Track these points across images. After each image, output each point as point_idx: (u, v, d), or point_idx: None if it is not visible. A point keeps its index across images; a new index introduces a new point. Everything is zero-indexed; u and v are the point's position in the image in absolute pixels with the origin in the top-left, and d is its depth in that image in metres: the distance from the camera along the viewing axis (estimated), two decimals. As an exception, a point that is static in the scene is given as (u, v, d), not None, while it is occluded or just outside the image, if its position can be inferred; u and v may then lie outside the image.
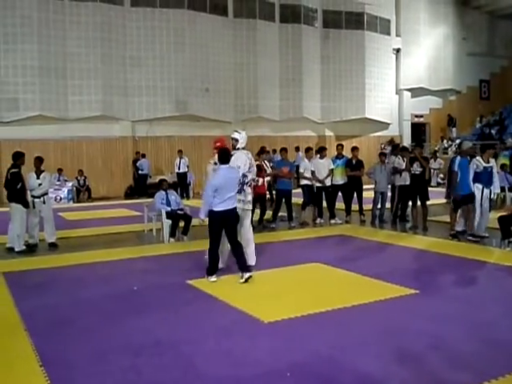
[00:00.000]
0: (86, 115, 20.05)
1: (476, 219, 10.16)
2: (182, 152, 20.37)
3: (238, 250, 7.31)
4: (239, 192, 7.69)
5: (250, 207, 8.08)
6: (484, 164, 9.97)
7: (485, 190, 9.98)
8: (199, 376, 4.30)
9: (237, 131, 8.19)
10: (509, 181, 14.49)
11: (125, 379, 4.27)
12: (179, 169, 20.15)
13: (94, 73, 20.06)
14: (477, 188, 9.99)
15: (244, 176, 7.80)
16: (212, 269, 7.27)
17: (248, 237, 7.98)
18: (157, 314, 5.92)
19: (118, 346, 4.96)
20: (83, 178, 20.08)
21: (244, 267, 7.19)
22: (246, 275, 7.11)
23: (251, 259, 7.91)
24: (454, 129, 28.56)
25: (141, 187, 20.59)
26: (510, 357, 4.50)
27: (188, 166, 20.38)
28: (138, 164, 20.91)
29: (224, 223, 7.22)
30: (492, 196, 10.12)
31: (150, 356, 4.69)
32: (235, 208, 7.33)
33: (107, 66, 20.37)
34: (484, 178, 9.96)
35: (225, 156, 7.36)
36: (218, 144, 8.17)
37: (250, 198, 7.99)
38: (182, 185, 19.84)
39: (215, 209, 7.12)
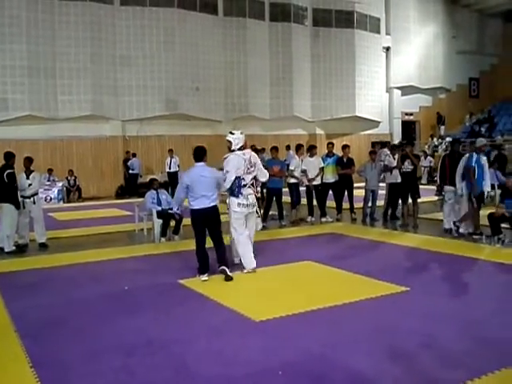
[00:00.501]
0: (75, 115, 19.96)
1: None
2: (173, 151, 20.35)
3: (219, 248, 7.38)
4: (236, 196, 7.60)
5: (252, 210, 7.85)
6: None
7: None
8: (191, 375, 4.30)
9: (231, 132, 7.99)
10: (498, 178, 14.56)
11: (117, 380, 4.26)
12: (170, 168, 20.15)
13: (83, 72, 19.96)
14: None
15: (240, 179, 7.62)
16: (202, 268, 7.27)
17: (250, 237, 7.91)
18: (148, 313, 5.90)
19: (109, 346, 4.94)
20: (73, 177, 19.99)
21: (222, 260, 7.30)
22: (223, 267, 7.23)
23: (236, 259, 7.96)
24: (442, 127, 28.66)
25: (132, 187, 20.54)
26: (500, 354, 4.52)
27: (179, 166, 20.35)
28: (128, 163, 20.85)
29: (204, 221, 7.28)
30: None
31: (142, 356, 4.68)
32: (214, 206, 7.30)
33: (97, 65, 20.29)
34: None
35: (197, 154, 7.43)
36: None
37: (251, 200, 7.73)
38: (172, 184, 19.78)
39: (192, 207, 7.26)
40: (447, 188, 10.67)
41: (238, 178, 7.59)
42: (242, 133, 7.94)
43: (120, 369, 4.43)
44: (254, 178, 7.86)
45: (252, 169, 7.77)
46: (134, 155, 21.09)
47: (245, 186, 7.66)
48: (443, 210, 11.00)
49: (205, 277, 7.21)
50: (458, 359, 4.42)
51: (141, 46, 21.08)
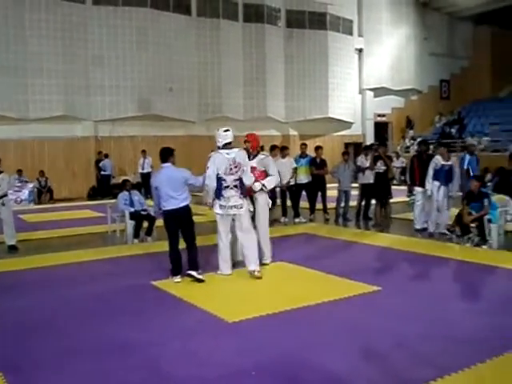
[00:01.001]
0: (47, 115, 19.67)
1: (433, 216, 10.43)
2: (146, 152, 20.17)
3: (190, 250, 7.31)
4: (218, 197, 7.32)
5: (237, 212, 7.31)
6: (442, 162, 10.20)
7: (442, 187, 10.20)
8: (164, 377, 4.28)
9: (217, 129, 7.57)
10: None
11: (90, 382, 4.21)
12: (143, 169, 19.98)
13: (55, 72, 19.70)
14: (434, 185, 10.21)
15: (221, 179, 7.24)
16: (175, 269, 7.24)
17: (242, 242, 7.49)
18: (121, 315, 5.86)
19: (82, 349, 4.88)
20: (44, 178, 19.68)
21: (191, 265, 7.24)
22: (190, 272, 7.18)
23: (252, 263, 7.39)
24: (411, 131, 28.87)
25: (104, 188, 20.31)
26: (470, 352, 4.59)
27: (152, 166, 20.23)
28: (100, 165, 20.63)
29: (176, 222, 7.24)
30: (450, 193, 10.32)
31: (116, 358, 4.64)
32: (185, 207, 7.22)
33: (69, 65, 20.03)
34: (441, 175, 10.17)
35: (162, 155, 7.46)
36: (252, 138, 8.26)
37: (233, 202, 7.26)
38: (146, 185, 19.62)
39: (163, 208, 7.26)
40: (417, 189, 10.84)
41: (219, 178, 7.29)
42: (226, 130, 7.40)
43: (93, 372, 4.39)
44: (240, 179, 7.32)
45: (235, 169, 7.26)
46: (106, 156, 20.87)
47: (226, 187, 7.26)
48: (413, 211, 11.17)
49: (178, 278, 7.18)
50: (428, 358, 4.48)
51: (113, 46, 20.88)
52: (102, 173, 20.55)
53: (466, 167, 9.95)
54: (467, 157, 10.10)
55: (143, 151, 20.21)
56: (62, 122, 20.10)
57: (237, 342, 4.98)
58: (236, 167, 7.27)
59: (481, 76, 30.76)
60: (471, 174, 9.92)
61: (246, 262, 7.45)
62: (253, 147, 8.12)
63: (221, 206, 7.36)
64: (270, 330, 5.27)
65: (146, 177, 19.71)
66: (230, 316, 5.61)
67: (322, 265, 7.93)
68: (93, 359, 4.64)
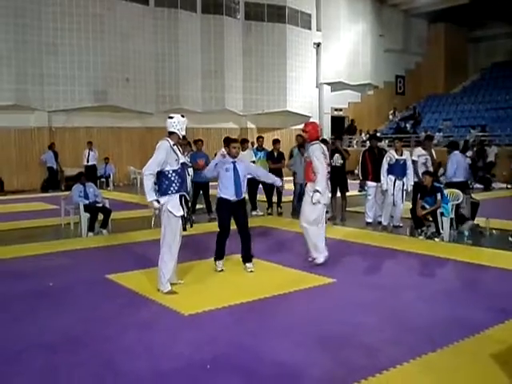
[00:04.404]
0: (-3, 104, 19.13)
1: (389, 210, 10.64)
2: (92, 143, 19.79)
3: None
4: None
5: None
6: (396, 157, 10.41)
7: (397, 181, 10.41)
8: (118, 371, 4.23)
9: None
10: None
11: (40, 379, 4.13)
12: (88, 161, 19.48)
13: (6, 60, 19.12)
14: (389, 180, 10.42)
15: None
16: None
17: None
18: (75, 310, 5.76)
19: (33, 345, 4.77)
20: (-5, 170, 19.16)
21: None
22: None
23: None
24: (352, 136, 28.03)
25: (51, 181, 19.75)
26: (422, 341, 4.70)
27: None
28: (41, 157, 19.99)
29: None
30: (405, 187, 10.53)
31: (67, 353, 4.56)
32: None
33: (22, 53, 19.47)
34: (396, 170, 10.39)
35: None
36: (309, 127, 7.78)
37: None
38: (90, 178, 19.08)
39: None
40: (369, 184, 11.04)
41: None
42: (170, 117, 6.80)
43: (44, 367, 4.30)
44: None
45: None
46: (50, 147, 20.07)
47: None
48: (365, 205, 11.37)
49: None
50: (381, 347, 4.57)
51: (68, 34, 20.41)
52: (48, 166, 19.88)
53: None
54: None
55: (89, 143, 19.78)
56: (13, 112, 19.54)
57: (193, 335, 4.96)
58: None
59: (435, 72, 31.52)
60: None
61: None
62: (310, 138, 7.73)
63: None
64: (226, 322, 5.29)
65: (91, 169, 19.14)
66: (187, 309, 5.60)
67: (278, 257, 8.01)
68: (43, 355, 4.54)
